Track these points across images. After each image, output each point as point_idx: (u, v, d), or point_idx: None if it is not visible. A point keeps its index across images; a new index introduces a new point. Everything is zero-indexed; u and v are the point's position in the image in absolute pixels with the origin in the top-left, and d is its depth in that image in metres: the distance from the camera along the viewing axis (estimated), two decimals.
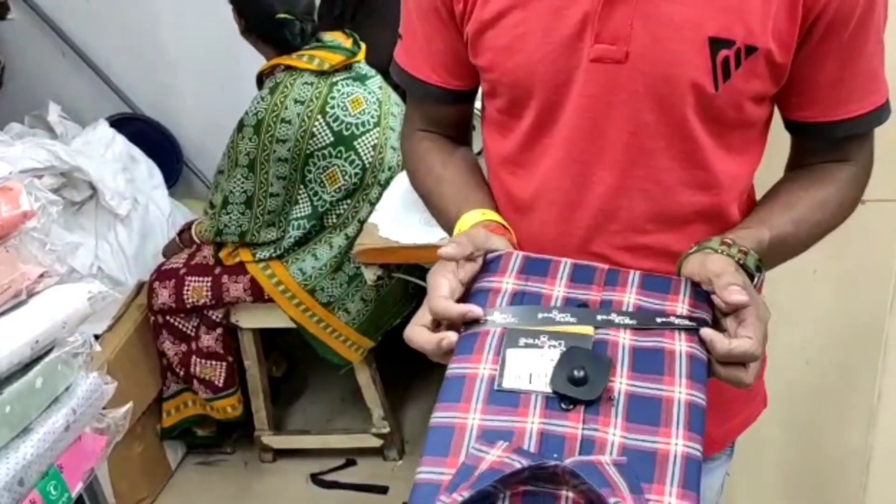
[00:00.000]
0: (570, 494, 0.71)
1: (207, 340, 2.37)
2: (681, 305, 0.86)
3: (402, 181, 2.27)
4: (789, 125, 1.02)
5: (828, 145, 1.02)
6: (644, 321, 0.84)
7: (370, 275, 2.07)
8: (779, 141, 1.05)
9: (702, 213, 0.99)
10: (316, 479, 2.45)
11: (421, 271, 2.11)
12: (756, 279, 0.90)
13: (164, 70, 3.11)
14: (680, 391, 0.79)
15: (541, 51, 0.94)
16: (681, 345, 0.82)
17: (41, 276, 1.10)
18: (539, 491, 0.71)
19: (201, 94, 3.11)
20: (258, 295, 2.30)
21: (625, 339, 0.83)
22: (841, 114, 0.98)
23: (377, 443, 2.46)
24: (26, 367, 1.06)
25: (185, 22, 3.01)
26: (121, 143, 2.78)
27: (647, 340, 0.83)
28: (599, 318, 0.84)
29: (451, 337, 0.84)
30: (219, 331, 2.36)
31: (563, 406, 0.77)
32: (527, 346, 0.81)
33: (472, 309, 0.85)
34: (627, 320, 0.84)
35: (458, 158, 1.13)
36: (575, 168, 0.98)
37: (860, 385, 1.71)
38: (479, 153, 1.15)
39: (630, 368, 0.80)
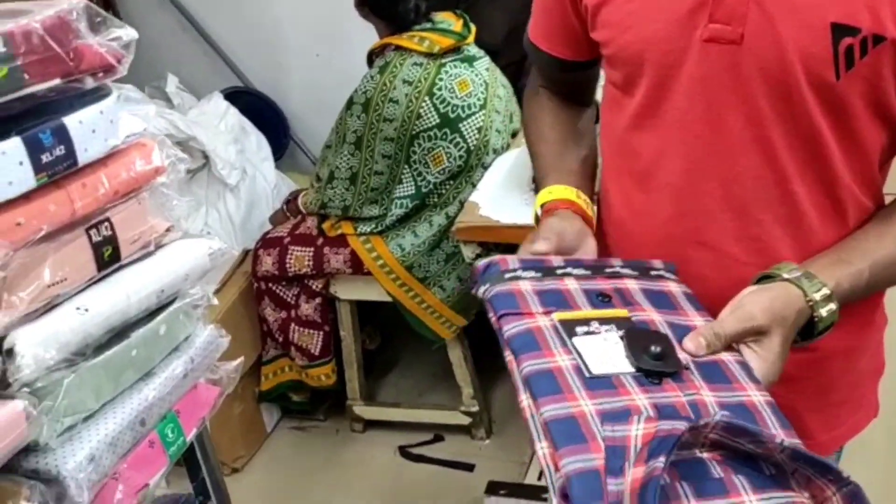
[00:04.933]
0: (705, 455, 0.75)
1: (306, 309, 2.43)
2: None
3: (504, 161, 2.28)
4: None
5: None
6: (641, 270, 0.95)
7: (469, 252, 2.09)
8: None
9: (819, 206, 0.95)
10: (404, 451, 2.49)
11: None
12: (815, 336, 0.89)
13: (276, 46, 3.20)
14: (723, 355, 0.86)
15: (652, 28, 0.92)
16: (698, 320, 0.90)
17: (168, 229, 1.16)
18: (682, 459, 0.74)
19: (310, 71, 3.19)
20: (357, 267, 2.35)
21: (657, 317, 0.88)
22: None
23: (465, 420, 2.48)
24: (151, 314, 1.12)
25: (298, 0, 3.09)
26: (233, 115, 2.88)
27: (673, 317, 0.89)
28: (607, 270, 0.93)
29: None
30: (318, 300, 2.42)
31: (653, 381, 0.80)
32: (586, 333, 0.85)
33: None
34: (629, 270, 0.94)
35: (563, 121, 1.15)
36: (686, 152, 0.95)
37: None
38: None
39: (677, 342, 0.86)
